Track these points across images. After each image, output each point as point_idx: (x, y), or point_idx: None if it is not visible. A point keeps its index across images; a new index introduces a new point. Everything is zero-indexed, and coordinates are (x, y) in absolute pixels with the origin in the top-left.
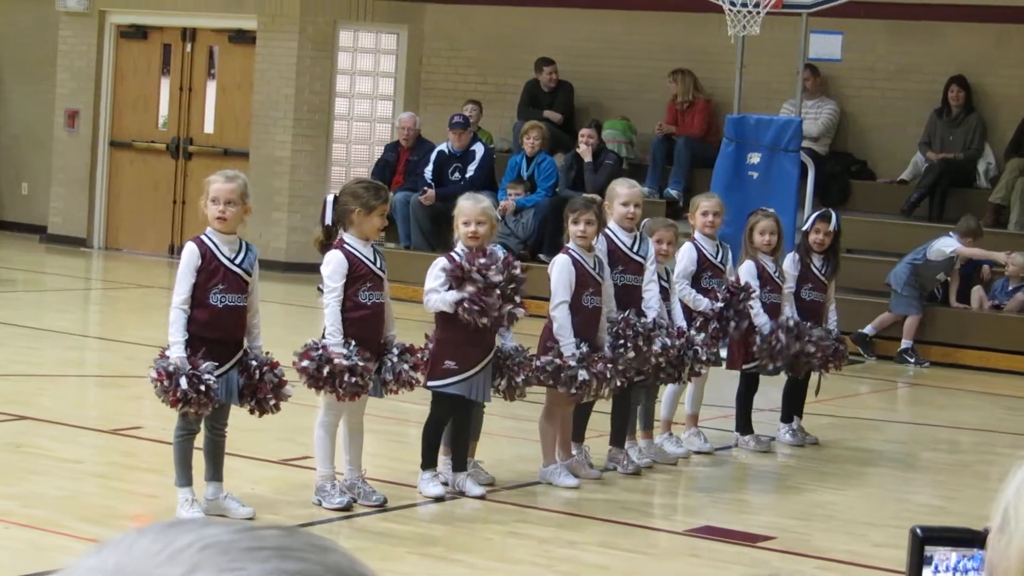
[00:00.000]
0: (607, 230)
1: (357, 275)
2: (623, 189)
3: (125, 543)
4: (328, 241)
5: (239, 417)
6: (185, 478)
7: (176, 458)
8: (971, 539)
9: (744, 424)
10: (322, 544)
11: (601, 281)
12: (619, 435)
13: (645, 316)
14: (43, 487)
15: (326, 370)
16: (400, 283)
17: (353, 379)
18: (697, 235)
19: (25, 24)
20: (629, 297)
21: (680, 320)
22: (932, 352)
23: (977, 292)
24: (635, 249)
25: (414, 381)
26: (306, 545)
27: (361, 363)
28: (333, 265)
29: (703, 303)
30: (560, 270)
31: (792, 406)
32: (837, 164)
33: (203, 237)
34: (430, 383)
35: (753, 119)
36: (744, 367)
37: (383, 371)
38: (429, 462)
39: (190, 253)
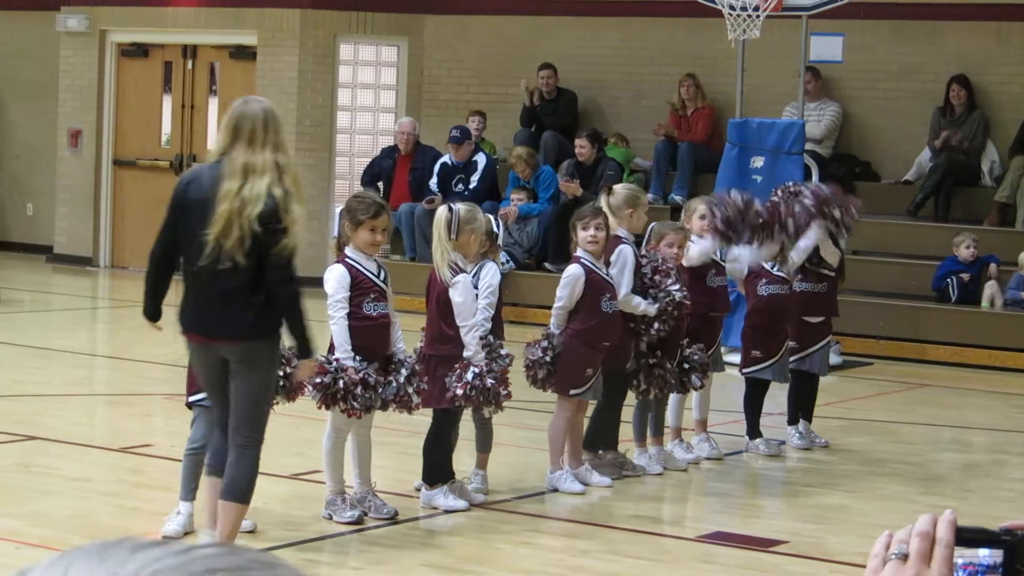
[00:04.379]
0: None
1: (360, 288)
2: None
3: (58, 568)
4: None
5: None
6: (187, 491)
7: (183, 471)
8: (987, 539)
9: (752, 428)
10: (269, 560)
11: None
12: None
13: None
14: (52, 507)
15: (341, 383)
16: (406, 295)
17: (367, 393)
18: (695, 238)
19: (26, 44)
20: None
21: None
22: (939, 352)
23: (990, 288)
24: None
25: (414, 405)
26: (255, 563)
27: (373, 377)
28: (334, 278)
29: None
30: (569, 282)
31: (799, 408)
32: (841, 166)
33: None
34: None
35: (756, 123)
36: (744, 371)
37: (386, 390)
38: (441, 477)
39: None
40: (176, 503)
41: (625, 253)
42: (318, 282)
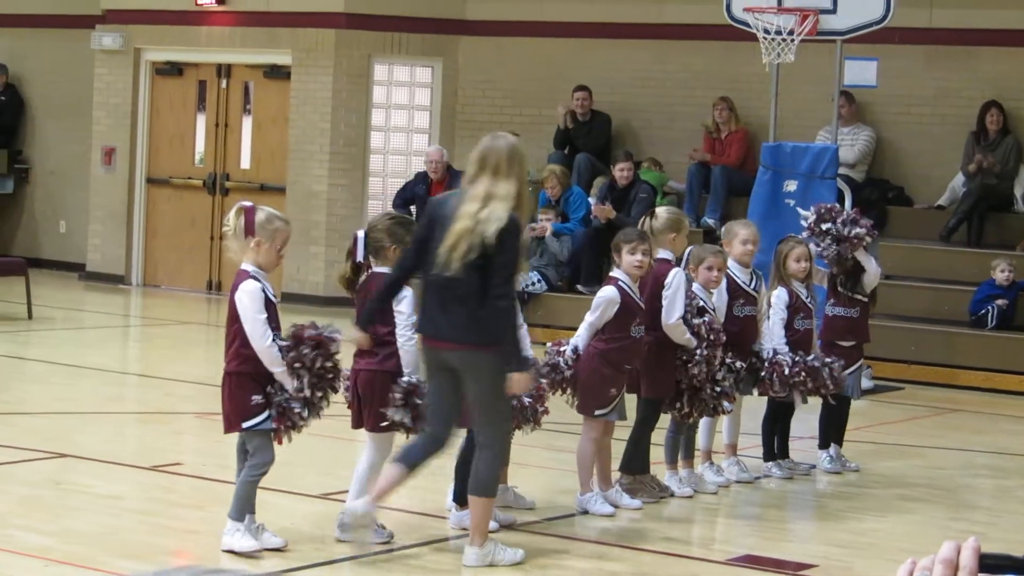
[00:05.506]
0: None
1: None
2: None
3: None
4: (355, 277)
5: (278, 451)
6: (246, 512)
7: (245, 493)
8: (1012, 566)
9: (767, 450)
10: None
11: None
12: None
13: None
14: (83, 524)
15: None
16: None
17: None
18: (731, 263)
19: (61, 62)
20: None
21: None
22: (971, 377)
23: None
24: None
25: None
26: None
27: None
28: (407, 299)
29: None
30: (602, 303)
31: (830, 433)
32: (874, 190)
33: (257, 277)
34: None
35: (789, 147)
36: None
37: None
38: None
39: (256, 292)
40: (210, 523)
41: (680, 278)
42: (351, 302)
